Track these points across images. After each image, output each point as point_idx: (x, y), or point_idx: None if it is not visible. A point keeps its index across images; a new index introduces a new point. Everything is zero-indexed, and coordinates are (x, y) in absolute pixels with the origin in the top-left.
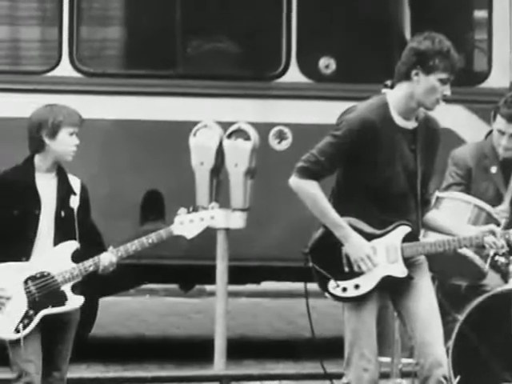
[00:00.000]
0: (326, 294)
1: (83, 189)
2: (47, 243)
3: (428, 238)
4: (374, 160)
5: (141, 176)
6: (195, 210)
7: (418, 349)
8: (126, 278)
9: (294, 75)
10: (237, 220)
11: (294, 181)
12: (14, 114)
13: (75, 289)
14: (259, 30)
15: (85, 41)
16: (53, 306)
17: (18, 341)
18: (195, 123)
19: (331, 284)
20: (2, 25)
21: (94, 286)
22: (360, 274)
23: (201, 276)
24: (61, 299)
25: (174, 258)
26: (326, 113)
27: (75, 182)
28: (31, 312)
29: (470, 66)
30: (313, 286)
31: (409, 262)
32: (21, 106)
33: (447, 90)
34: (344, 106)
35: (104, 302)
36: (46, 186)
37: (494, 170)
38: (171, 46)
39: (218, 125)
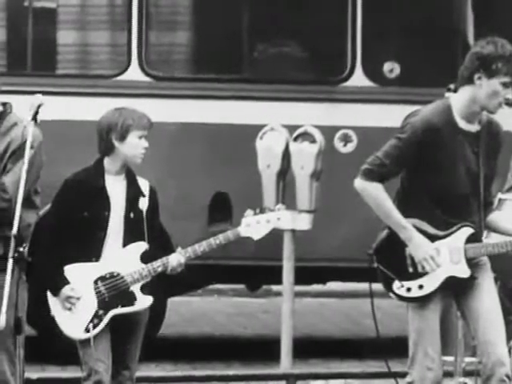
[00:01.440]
0: (391, 294)
1: (152, 191)
2: (117, 244)
3: (490, 239)
4: (438, 162)
5: (208, 178)
6: (262, 211)
7: (481, 348)
8: (194, 278)
9: (359, 79)
10: (303, 221)
11: (359, 183)
12: (84, 117)
13: (144, 289)
14: (325, 34)
15: (153, 45)
16: (122, 306)
17: (88, 340)
18: (262, 127)
19: (396, 284)
20: (72, 30)
21: (162, 287)
22: (424, 274)
23: (268, 276)
24: (130, 299)
25: (242, 258)
26: (390, 116)
27: (144, 184)
28: (101, 312)
29: None
30: (377, 287)
31: (472, 263)
32: (91, 109)
33: (510, 94)
34: (408, 109)
35: (173, 301)
36: (116, 188)
37: None
38: (238, 51)
39: (284, 128)
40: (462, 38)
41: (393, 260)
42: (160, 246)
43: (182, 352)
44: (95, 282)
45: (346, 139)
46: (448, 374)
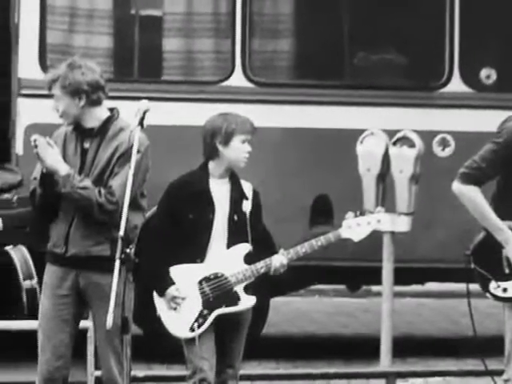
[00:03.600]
0: (487, 295)
1: (255, 194)
2: (221, 246)
3: None
4: None
5: (310, 182)
6: (362, 214)
7: None
8: (296, 278)
9: (456, 85)
10: (402, 223)
11: (457, 186)
12: (189, 122)
13: (247, 289)
14: (423, 41)
15: (256, 52)
16: (226, 306)
17: (193, 339)
18: (362, 131)
19: (492, 285)
20: (178, 37)
21: (265, 287)
22: None
23: (367, 277)
24: (234, 299)
25: (342, 259)
26: (487, 121)
27: (247, 187)
28: (205, 312)
29: None
30: (474, 287)
31: None
32: (196, 114)
33: None
34: (504, 114)
35: (275, 301)
36: (220, 191)
37: None
38: (339, 57)
39: (384, 133)
40: None
41: (489, 261)
42: (263, 247)
43: (284, 351)
44: (200, 283)
45: (444, 144)
46: None
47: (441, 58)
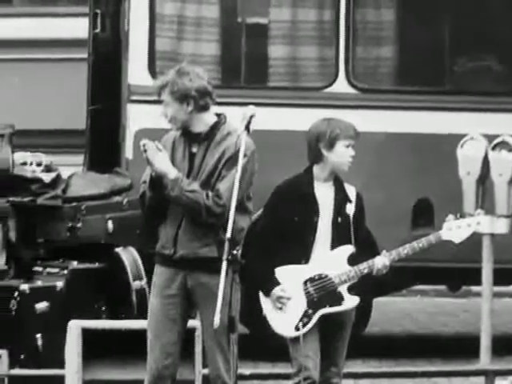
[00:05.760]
0: None
1: (358, 197)
2: (325, 247)
3: None
4: None
5: (412, 185)
6: (462, 216)
7: None
8: (398, 279)
9: None
10: (501, 226)
11: None
12: (294, 127)
13: (351, 290)
14: None
15: (359, 59)
16: (330, 306)
17: (297, 338)
18: (462, 136)
19: None
20: (283, 44)
21: (368, 287)
22: None
23: (468, 277)
24: (338, 299)
25: (443, 260)
26: None
27: (351, 191)
28: (310, 311)
29: None
30: None
31: None
32: (300, 119)
33: None
34: None
35: (378, 301)
36: (324, 194)
37: None
38: (439, 64)
39: (483, 137)
40: None
41: None
42: (366, 248)
43: (386, 349)
44: (305, 283)
45: None
46: None
47: None
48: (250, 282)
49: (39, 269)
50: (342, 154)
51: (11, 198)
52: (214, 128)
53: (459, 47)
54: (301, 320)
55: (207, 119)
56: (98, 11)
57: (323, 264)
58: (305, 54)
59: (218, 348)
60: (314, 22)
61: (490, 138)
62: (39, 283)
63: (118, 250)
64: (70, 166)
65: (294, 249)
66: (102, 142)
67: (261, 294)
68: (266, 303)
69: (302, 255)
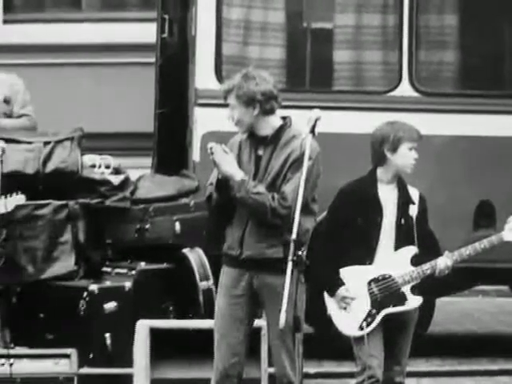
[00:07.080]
0: None
1: (421, 199)
2: (388, 248)
3: None
4: None
5: (474, 187)
6: None
7: None
8: (460, 280)
9: None
10: None
11: None
12: (358, 130)
13: (414, 290)
14: None
15: (422, 63)
16: (393, 306)
17: (362, 337)
18: None
19: None
20: (347, 49)
21: (431, 288)
22: None
23: None
24: (401, 299)
25: (505, 261)
26: None
27: (414, 193)
28: (374, 311)
29: None
30: None
31: None
32: (365, 123)
33: None
34: None
35: (440, 301)
36: (388, 196)
37: None
38: (501, 68)
39: None
40: None
41: None
42: (429, 249)
43: (448, 348)
44: (369, 284)
45: None
46: None
47: None
48: (315, 282)
49: (108, 269)
50: (405, 157)
51: (80, 200)
52: (280, 131)
53: None
54: (365, 320)
55: (273, 122)
56: (166, 16)
57: (387, 265)
58: (369, 58)
59: (283, 347)
60: (378, 26)
61: None
62: (108, 284)
63: (185, 250)
64: (138, 169)
65: (358, 250)
66: (169, 144)
67: (326, 294)
68: (330, 303)
69: (366, 256)
